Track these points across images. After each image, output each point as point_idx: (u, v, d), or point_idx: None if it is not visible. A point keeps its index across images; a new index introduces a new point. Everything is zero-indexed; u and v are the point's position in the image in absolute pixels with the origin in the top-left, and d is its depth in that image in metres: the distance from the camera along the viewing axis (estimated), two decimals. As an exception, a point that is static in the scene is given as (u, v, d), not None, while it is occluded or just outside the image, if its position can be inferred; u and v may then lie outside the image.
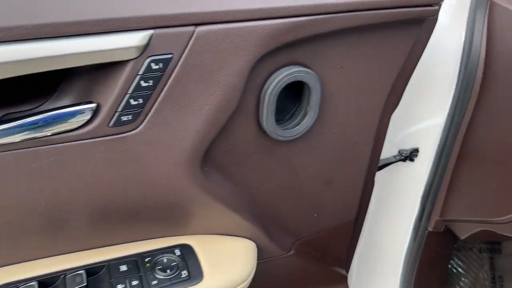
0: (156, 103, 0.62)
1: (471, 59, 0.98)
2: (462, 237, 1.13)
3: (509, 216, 0.91)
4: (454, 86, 1.02)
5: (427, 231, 1.19)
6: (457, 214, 1.10)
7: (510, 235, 0.94)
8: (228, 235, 0.85)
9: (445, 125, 1.06)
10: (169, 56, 0.59)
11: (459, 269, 1.53)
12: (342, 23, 0.69)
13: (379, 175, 1.15)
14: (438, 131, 1.08)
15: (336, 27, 0.69)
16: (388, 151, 1.13)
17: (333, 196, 0.91)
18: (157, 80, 0.60)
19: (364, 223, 1.22)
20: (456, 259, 1.51)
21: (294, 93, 0.77)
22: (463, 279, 1.55)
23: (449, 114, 1.05)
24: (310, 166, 0.85)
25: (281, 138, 0.76)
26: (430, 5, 0.75)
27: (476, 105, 0.99)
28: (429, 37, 0.84)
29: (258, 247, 0.86)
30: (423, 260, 1.22)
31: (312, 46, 0.71)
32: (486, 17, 0.95)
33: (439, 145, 1.09)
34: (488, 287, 1.57)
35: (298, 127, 0.76)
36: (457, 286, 1.53)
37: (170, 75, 0.61)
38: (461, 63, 1.00)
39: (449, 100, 1.04)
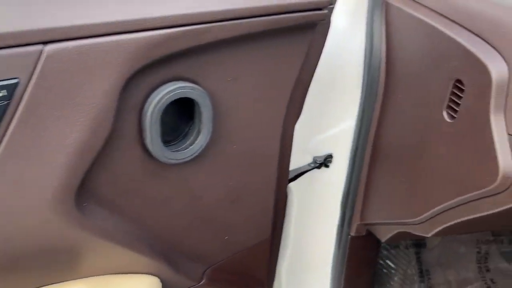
0: (6, 137, 0.52)
1: (373, 62, 0.97)
2: (383, 240, 1.13)
3: (422, 216, 0.90)
4: (360, 90, 1.01)
5: (349, 236, 1.17)
6: (376, 217, 1.09)
7: (425, 235, 0.93)
8: (128, 273, 0.76)
9: (356, 129, 1.05)
10: (15, 81, 0.50)
11: (389, 268, 1.54)
12: (225, 33, 0.63)
13: (297, 185, 1.12)
14: (349, 136, 1.07)
15: (219, 37, 0.63)
16: (303, 159, 1.10)
17: (243, 215, 0.86)
18: (2, 110, 0.51)
19: (288, 236, 1.18)
20: (384, 258, 1.52)
21: (188, 111, 0.70)
22: (393, 277, 1.56)
23: (358, 117, 1.04)
24: (213, 186, 0.78)
25: (173, 161, 0.68)
26: (320, 9, 0.71)
27: (382, 108, 0.98)
28: (324, 41, 0.81)
29: (163, 281, 0.78)
30: (350, 265, 1.21)
31: (197, 58, 0.65)
32: (383, 18, 0.94)
33: (351, 149, 1.08)
34: (417, 282, 1.59)
35: (192, 147, 0.70)
36: (387, 285, 1.54)
37: (19, 102, 0.52)
38: (364, 66, 0.99)
39: (357, 104, 1.03)
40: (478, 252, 1.70)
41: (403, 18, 0.91)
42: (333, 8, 0.77)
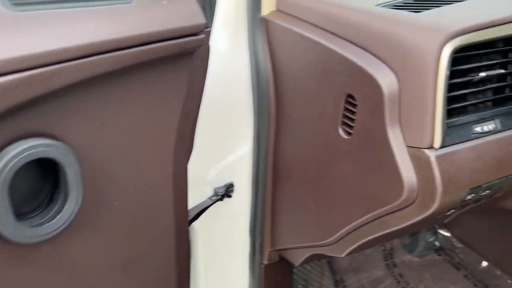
0: None
1: (261, 82, 0.93)
2: (297, 264, 1.08)
3: (333, 237, 0.87)
4: (252, 112, 0.96)
5: (263, 265, 1.12)
6: (287, 242, 1.05)
7: (339, 255, 0.90)
8: None
9: (254, 154, 1.00)
10: None
11: (305, 283, 1.53)
12: (82, 73, 0.52)
13: (201, 223, 1.04)
14: (248, 161, 1.01)
15: (75, 79, 0.51)
16: (204, 193, 1.02)
17: (140, 278, 0.74)
18: None
19: (197, 280, 1.09)
20: (299, 274, 1.50)
21: (50, 171, 0.57)
22: (310, 292, 1.56)
23: (254, 141, 0.98)
24: (96, 256, 0.65)
25: (36, 239, 0.55)
26: (195, 34, 0.63)
27: (277, 129, 0.94)
28: (206, 67, 0.73)
29: None
30: None
31: (51, 107, 0.52)
32: (265, 36, 0.90)
33: (252, 175, 1.02)
34: (333, 291, 1.60)
35: (60, 216, 0.56)
36: (305, 302, 1.53)
37: None
38: (252, 87, 0.94)
39: (251, 127, 0.97)
40: (384, 250, 1.77)
41: (284, 34, 0.88)
42: (210, 31, 0.70)
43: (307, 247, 0.98)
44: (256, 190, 1.03)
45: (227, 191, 1.05)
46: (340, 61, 0.73)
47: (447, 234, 1.79)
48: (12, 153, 0.49)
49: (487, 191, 0.74)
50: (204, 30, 0.64)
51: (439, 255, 1.75)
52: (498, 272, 1.65)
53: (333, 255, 0.92)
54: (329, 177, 0.84)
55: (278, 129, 0.94)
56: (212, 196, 1.04)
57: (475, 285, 1.64)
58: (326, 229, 0.89)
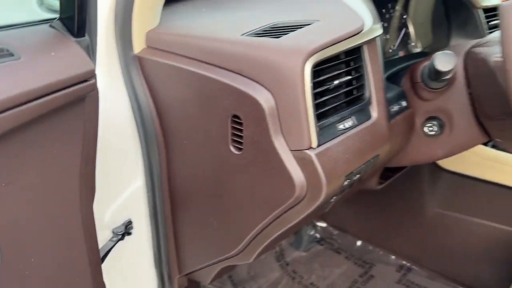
0: None
1: (144, 115, 0.96)
2: (208, 282, 1.13)
3: (241, 246, 0.94)
4: (139, 146, 0.98)
5: (174, 293, 1.14)
6: (195, 263, 1.09)
7: (249, 261, 0.98)
8: None
9: (147, 186, 1.02)
10: None
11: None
12: None
13: (107, 264, 1.01)
14: (143, 195, 1.03)
15: None
16: (104, 236, 1.00)
17: None
18: None
19: None
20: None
21: None
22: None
23: (146, 174, 1.01)
24: None
25: None
26: (85, 81, 0.66)
27: (168, 158, 0.98)
28: (97, 110, 0.75)
29: None
30: None
31: None
32: (141, 74, 0.94)
33: (149, 207, 1.04)
34: None
35: None
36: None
37: None
38: (136, 122, 0.97)
39: (140, 161, 1.00)
40: (276, 252, 1.90)
41: (160, 69, 0.93)
42: (95, 76, 0.72)
43: (216, 262, 1.04)
44: (155, 221, 1.05)
45: (126, 229, 1.05)
46: (220, 87, 0.82)
47: (324, 225, 1.98)
48: None
49: (358, 175, 0.90)
50: (93, 75, 0.67)
51: (321, 245, 1.93)
52: (370, 247, 1.90)
53: (242, 262, 0.99)
54: (227, 192, 0.91)
55: (169, 158, 0.98)
56: (112, 237, 1.03)
57: (355, 263, 1.86)
58: (232, 240, 0.96)
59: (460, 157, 1.39)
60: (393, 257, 1.85)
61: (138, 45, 0.94)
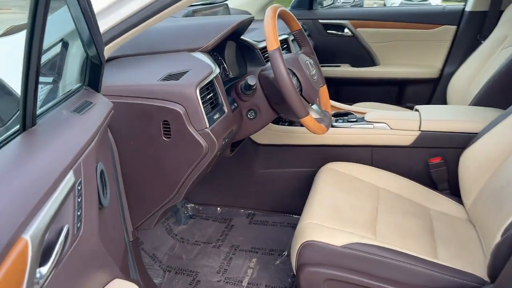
0: None
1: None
2: (152, 227, 1.84)
3: (173, 193, 1.71)
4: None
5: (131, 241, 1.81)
6: (142, 216, 1.79)
7: (179, 201, 1.76)
8: None
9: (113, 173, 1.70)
10: None
11: None
12: None
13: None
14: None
15: None
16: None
17: None
18: None
19: None
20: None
21: None
22: None
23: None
24: None
25: None
26: None
27: (119, 155, 1.69)
28: None
29: None
30: None
31: None
32: None
33: (115, 186, 1.72)
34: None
35: None
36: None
37: None
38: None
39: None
40: (166, 229, 2.38)
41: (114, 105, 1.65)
42: None
43: (158, 210, 1.75)
44: (119, 195, 1.71)
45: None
46: (156, 107, 1.60)
47: (192, 205, 2.50)
48: None
49: (227, 139, 1.77)
50: None
51: (193, 218, 2.43)
52: (227, 209, 2.44)
53: (176, 203, 1.76)
54: (163, 163, 1.67)
55: (121, 155, 1.68)
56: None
57: (219, 221, 2.38)
58: (168, 190, 1.66)
59: (266, 134, 2.17)
60: (242, 210, 2.45)
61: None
